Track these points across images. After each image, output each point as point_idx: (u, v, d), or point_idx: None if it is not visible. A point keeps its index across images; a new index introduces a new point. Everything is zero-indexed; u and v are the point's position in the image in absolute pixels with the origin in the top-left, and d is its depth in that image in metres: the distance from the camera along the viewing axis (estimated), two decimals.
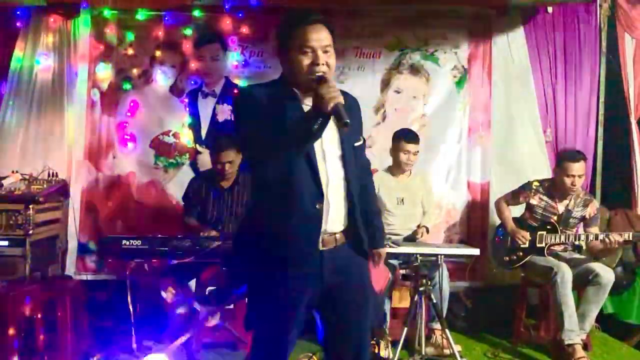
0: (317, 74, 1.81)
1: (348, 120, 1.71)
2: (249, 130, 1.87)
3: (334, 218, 1.90)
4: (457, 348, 3.27)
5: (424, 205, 4.01)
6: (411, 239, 3.82)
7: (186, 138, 4.39)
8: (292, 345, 1.97)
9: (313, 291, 1.91)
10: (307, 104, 1.87)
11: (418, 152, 3.89)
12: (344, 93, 1.79)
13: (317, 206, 1.85)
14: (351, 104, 1.97)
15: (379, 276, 3.10)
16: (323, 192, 1.86)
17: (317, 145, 1.86)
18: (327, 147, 1.90)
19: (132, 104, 4.36)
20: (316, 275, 1.89)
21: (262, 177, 1.87)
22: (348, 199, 1.93)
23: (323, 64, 1.83)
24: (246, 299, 2.02)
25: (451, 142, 4.48)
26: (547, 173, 4.16)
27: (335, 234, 1.91)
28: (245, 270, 1.97)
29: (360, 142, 2.04)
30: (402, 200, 3.90)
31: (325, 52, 1.85)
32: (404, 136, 3.86)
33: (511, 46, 4.44)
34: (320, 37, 1.85)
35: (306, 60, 1.84)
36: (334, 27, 1.91)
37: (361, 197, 1.99)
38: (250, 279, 1.97)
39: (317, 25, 1.86)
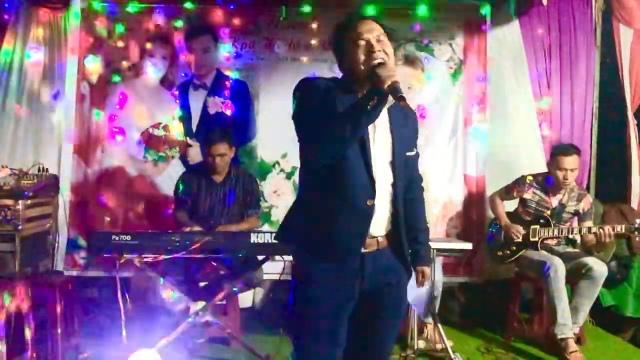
0: (376, 60, 1.82)
1: (404, 95, 1.71)
2: (310, 117, 1.85)
3: (377, 221, 1.88)
4: (449, 343, 3.27)
5: None
6: None
7: (176, 131, 4.36)
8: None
9: (353, 294, 1.88)
10: None
11: None
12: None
13: (368, 202, 1.84)
14: (409, 115, 2.01)
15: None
16: (376, 190, 1.85)
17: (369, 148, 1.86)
18: (378, 151, 1.88)
19: (121, 97, 4.32)
20: (357, 276, 1.87)
21: (315, 167, 1.87)
22: (393, 206, 1.92)
23: (380, 51, 1.84)
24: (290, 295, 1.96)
25: (447, 134, 4.45)
26: (543, 167, 4.10)
27: (376, 237, 1.90)
28: (293, 262, 1.96)
29: (414, 153, 2.01)
30: None
31: (379, 41, 1.87)
32: None
33: (506, 39, 4.40)
34: (370, 27, 1.90)
35: (361, 51, 1.86)
36: (383, 24, 1.95)
37: (408, 211, 1.97)
38: (296, 272, 1.94)
39: (366, 20, 1.93)
